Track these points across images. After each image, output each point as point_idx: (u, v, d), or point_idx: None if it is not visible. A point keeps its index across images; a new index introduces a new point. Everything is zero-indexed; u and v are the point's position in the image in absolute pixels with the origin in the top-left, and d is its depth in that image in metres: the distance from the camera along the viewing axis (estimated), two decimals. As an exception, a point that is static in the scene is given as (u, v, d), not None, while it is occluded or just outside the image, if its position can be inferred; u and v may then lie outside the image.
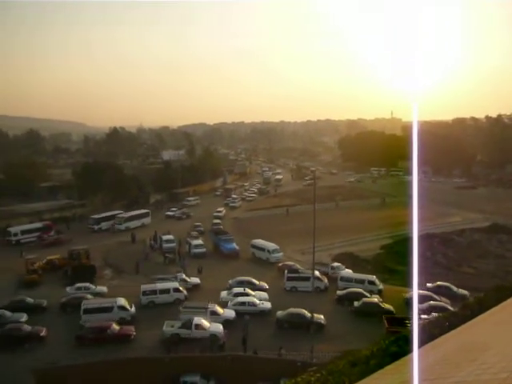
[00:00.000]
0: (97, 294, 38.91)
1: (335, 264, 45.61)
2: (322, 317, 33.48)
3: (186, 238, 55.49)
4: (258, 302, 35.99)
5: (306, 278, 39.44)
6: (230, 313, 34.14)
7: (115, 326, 31.26)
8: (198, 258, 49.34)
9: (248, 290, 38.14)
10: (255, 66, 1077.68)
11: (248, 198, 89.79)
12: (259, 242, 51.96)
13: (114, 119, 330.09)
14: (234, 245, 51.82)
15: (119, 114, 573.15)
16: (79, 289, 39.57)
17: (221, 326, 31.50)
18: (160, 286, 38.64)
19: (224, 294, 37.96)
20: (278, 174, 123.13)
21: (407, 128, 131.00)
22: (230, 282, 40.81)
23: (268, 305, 35.97)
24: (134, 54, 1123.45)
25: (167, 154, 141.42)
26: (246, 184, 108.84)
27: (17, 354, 28.75)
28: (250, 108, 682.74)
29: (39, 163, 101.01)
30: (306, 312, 32.88)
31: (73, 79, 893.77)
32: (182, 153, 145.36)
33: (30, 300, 36.85)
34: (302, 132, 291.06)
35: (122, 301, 35.15)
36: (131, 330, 31.51)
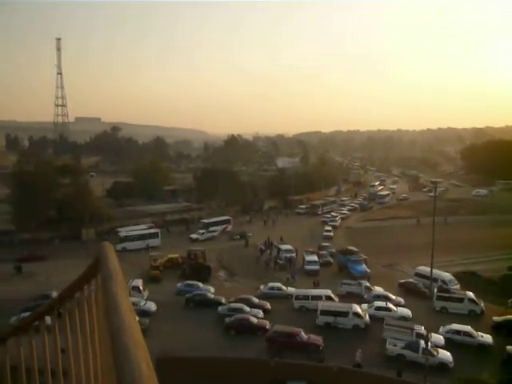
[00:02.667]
0: (287, 296, 40.23)
1: None
2: None
3: (302, 252, 53.44)
4: (475, 333, 32.13)
5: (460, 300, 37.35)
6: (438, 339, 31.33)
7: (303, 334, 31.36)
8: (310, 275, 47.09)
9: (390, 305, 36.75)
10: (370, 72, 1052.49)
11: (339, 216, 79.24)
12: (426, 270, 44.62)
13: (233, 127, 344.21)
14: (364, 266, 47.84)
15: (237, 123, 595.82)
16: (272, 288, 41.71)
17: (449, 354, 29.15)
18: (313, 292, 39.16)
19: (365, 307, 36.94)
20: (393, 189, 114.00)
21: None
22: (366, 296, 39.78)
23: (488, 339, 31.66)
24: (254, 65, 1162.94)
25: (282, 162, 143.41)
26: (345, 198, 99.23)
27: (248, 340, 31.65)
28: (365, 116, 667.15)
29: (164, 168, 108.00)
30: None
31: (195, 91, 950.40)
32: (296, 160, 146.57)
33: (210, 295, 39.79)
34: (421, 141, 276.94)
35: (357, 308, 35.17)
36: (319, 339, 31.16)
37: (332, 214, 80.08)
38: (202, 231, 65.04)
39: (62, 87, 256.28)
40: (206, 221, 68.15)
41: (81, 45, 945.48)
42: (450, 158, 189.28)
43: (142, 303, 37.54)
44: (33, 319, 3.09)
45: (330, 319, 34.21)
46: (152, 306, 37.51)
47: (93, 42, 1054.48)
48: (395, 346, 29.64)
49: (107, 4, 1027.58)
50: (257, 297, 40.04)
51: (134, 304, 35.43)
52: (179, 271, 48.29)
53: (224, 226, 68.99)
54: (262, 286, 42.39)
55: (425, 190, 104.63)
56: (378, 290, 41.22)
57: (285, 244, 56.03)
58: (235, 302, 38.08)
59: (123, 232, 59.71)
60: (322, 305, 35.32)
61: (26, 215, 63.66)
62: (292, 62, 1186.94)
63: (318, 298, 37.73)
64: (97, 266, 2.34)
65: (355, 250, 52.29)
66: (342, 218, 78.81)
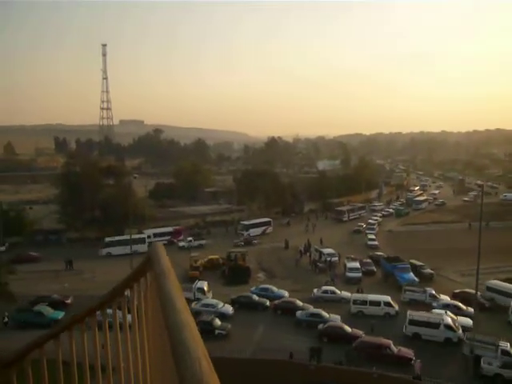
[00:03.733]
0: (341, 300, 39.64)
1: None
2: None
3: (344, 259, 51.97)
4: None
5: None
6: None
7: (393, 346, 29.71)
8: (351, 284, 45.14)
9: (450, 314, 34.90)
10: (414, 73, 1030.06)
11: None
12: (500, 284, 41.51)
13: (273, 129, 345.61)
14: (412, 275, 45.30)
15: (278, 125, 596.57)
16: (325, 292, 41.02)
17: None
18: (371, 297, 38.06)
19: None
20: (434, 194, 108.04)
21: None
22: (435, 304, 37.86)
23: None
24: (295, 67, 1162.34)
25: (322, 164, 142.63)
26: (376, 204, 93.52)
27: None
28: (408, 118, 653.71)
29: (205, 170, 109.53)
30: None
31: (236, 93, 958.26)
32: (336, 163, 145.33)
33: (255, 297, 39.33)
34: (467, 143, 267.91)
35: (449, 320, 33.03)
36: (410, 353, 29.36)
37: (369, 221, 74.80)
38: (189, 238, 61.85)
39: (108, 91, 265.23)
40: (246, 222, 68.52)
41: (125, 49, 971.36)
42: (498, 161, 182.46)
43: (219, 306, 36.75)
44: (84, 315, 3.20)
45: (420, 330, 32.34)
46: (230, 309, 36.69)
47: (136, 46, 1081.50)
48: (491, 364, 27.40)
49: (144, 8, 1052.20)
50: (310, 300, 39.49)
51: (211, 306, 36.29)
52: (219, 272, 48.77)
53: (264, 227, 69.15)
54: (315, 290, 41.55)
55: (470, 193, 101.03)
56: (444, 298, 39.20)
57: (325, 247, 55.44)
58: (279, 304, 37.85)
59: (109, 237, 58.67)
60: (411, 314, 33.55)
61: (73, 215, 66.05)
62: (332, 64, 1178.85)
63: (377, 303, 36.89)
64: (147, 264, 2.41)
65: (421, 264, 49.19)
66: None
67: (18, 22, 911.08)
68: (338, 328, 32.83)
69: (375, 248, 58.89)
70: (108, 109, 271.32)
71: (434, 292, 39.89)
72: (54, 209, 71.38)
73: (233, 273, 46.90)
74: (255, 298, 39.46)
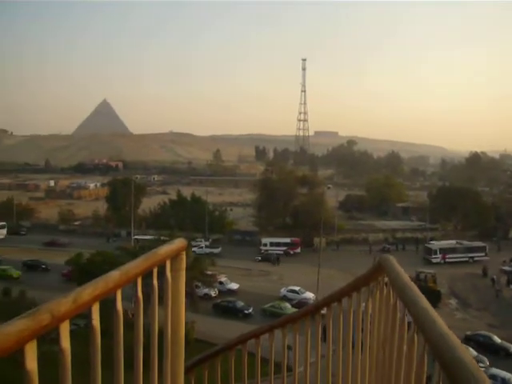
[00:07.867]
0: None
1: None
2: None
3: None
4: None
5: None
6: None
7: None
8: None
9: None
10: None
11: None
12: None
13: (475, 143, 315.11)
14: None
15: (481, 139, 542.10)
16: None
17: None
18: None
19: None
20: None
21: None
22: None
23: None
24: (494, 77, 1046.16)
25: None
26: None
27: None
28: None
29: (397, 184, 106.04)
30: None
31: (434, 106, 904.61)
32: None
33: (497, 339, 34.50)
34: None
35: None
36: None
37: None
38: (206, 243, 61.14)
39: (305, 103, 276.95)
40: (435, 243, 62.95)
41: (322, 62, 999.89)
42: None
43: None
44: (299, 317, 3.40)
45: None
46: None
47: (332, 59, 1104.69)
48: None
49: (339, 22, 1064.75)
50: None
51: None
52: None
53: (476, 253, 59.84)
54: None
55: None
56: None
57: None
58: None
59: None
60: None
61: (267, 219, 70.70)
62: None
63: None
64: (372, 275, 2.43)
65: None
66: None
67: (223, 38, 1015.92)
68: None
69: None
70: (305, 120, 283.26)
71: None
72: (251, 212, 77.40)
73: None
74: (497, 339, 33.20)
